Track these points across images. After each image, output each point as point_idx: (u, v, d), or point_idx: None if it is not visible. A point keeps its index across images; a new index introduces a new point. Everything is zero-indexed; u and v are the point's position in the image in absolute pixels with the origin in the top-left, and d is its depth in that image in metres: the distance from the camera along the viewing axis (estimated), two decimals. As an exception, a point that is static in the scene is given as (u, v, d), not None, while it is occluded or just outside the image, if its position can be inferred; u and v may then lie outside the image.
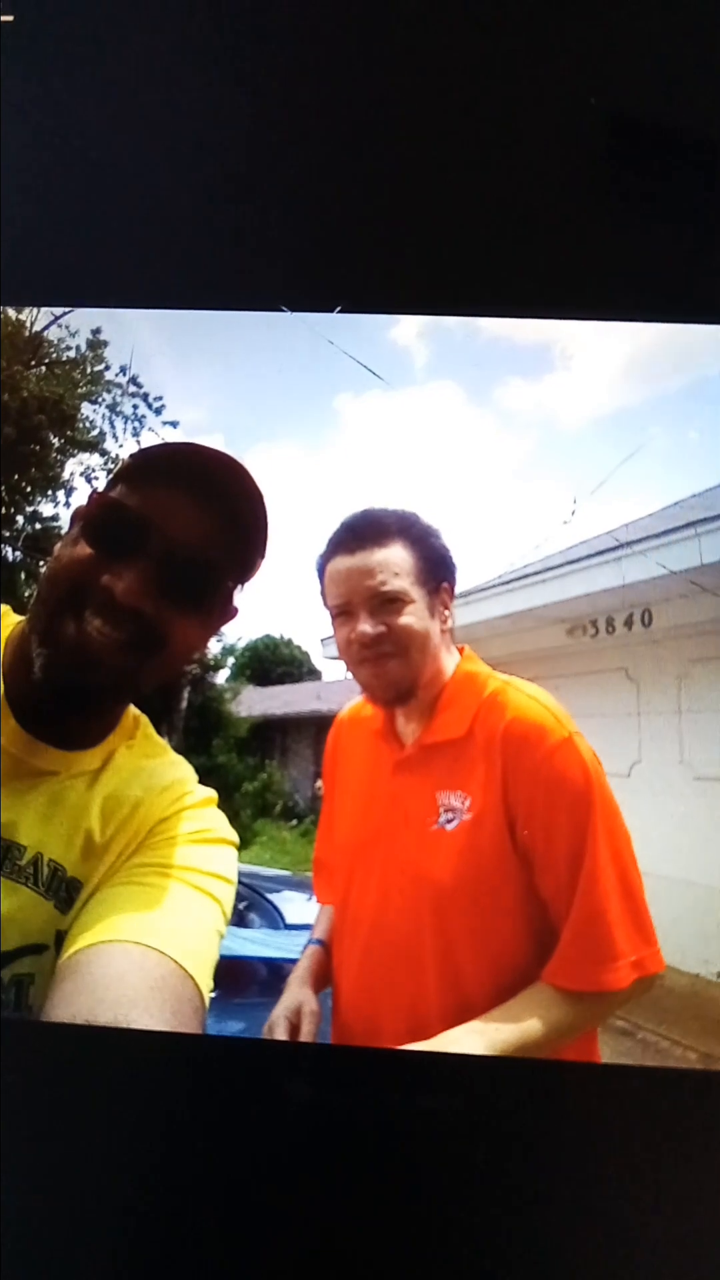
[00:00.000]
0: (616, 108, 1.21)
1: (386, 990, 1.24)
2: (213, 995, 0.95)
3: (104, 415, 2.54)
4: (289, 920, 2.44)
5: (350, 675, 1.31)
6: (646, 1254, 1.05)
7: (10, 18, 1.24)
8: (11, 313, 2.28)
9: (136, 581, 0.96)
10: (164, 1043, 0.86)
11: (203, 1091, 1.11)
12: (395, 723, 1.34)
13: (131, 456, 1.10)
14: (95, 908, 0.97)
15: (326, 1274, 1.09)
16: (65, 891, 1.00)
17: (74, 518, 1.03)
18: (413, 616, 1.26)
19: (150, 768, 1.10)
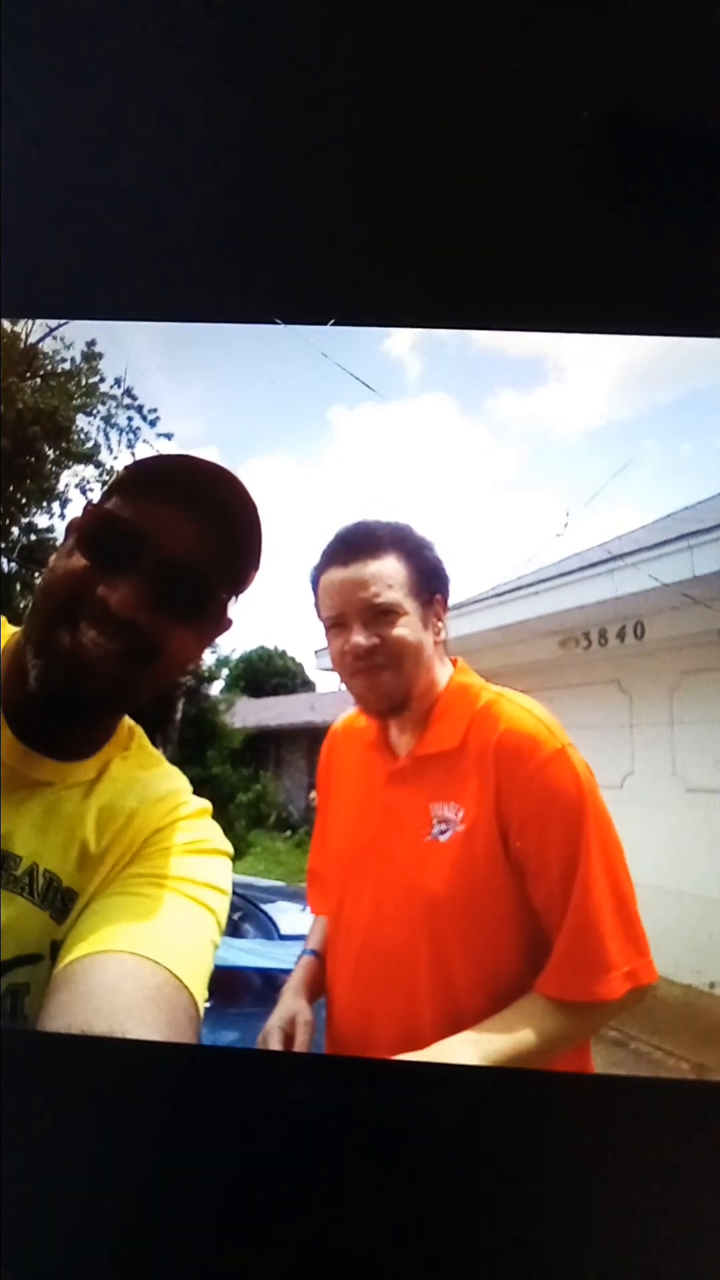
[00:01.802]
0: (610, 121, 1.21)
1: (380, 1000, 1.25)
2: (207, 1005, 0.95)
3: (99, 427, 2.55)
4: (283, 931, 2.44)
5: (344, 687, 1.32)
6: (640, 1265, 1.05)
7: None
8: (7, 324, 2.29)
9: (131, 593, 0.96)
10: (159, 1052, 0.86)
11: (198, 1101, 1.11)
12: (389, 734, 1.35)
13: (126, 468, 1.10)
14: (90, 918, 0.97)
15: (320, 1283, 1.09)
16: (60, 902, 1.00)
17: (69, 529, 1.03)
18: (406, 628, 1.26)
19: (145, 779, 1.10)
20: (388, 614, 1.25)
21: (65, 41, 1.26)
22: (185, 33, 1.26)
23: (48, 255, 1.28)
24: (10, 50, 1.24)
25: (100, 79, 1.26)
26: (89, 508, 1.03)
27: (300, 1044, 1.24)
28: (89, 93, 1.26)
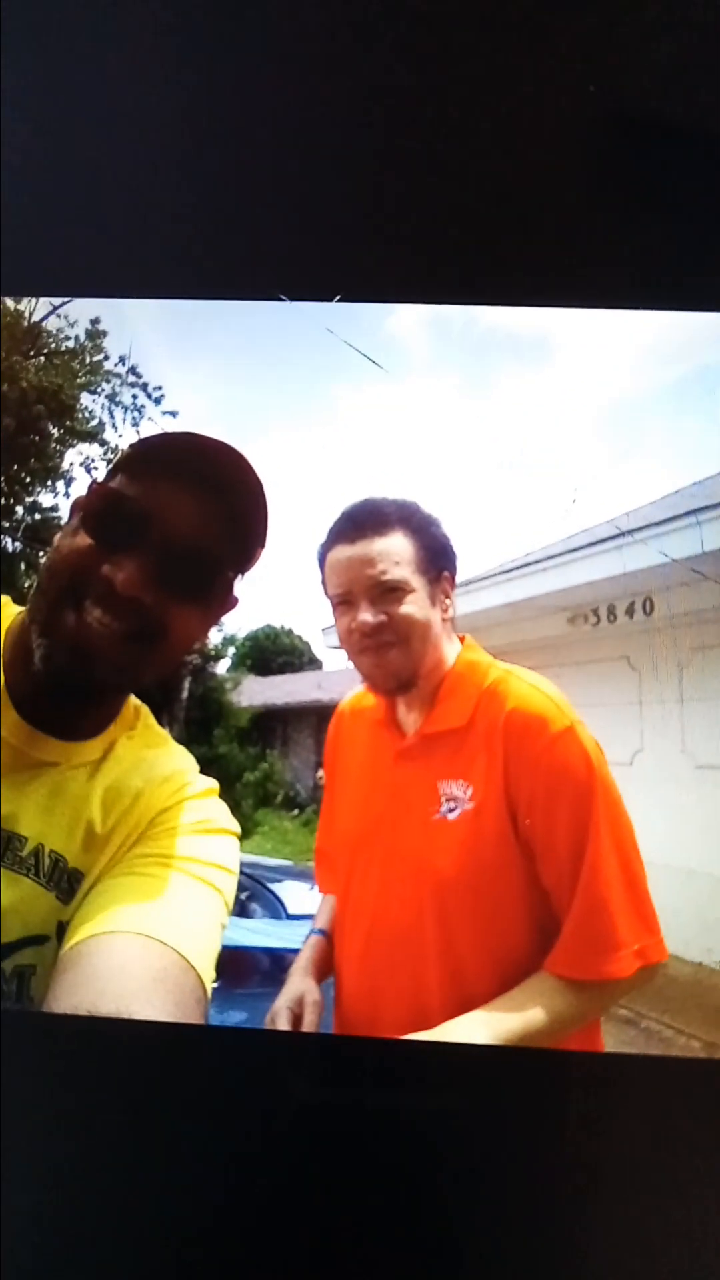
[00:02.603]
0: (615, 95, 1.20)
1: (388, 980, 1.25)
2: (215, 986, 0.95)
3: (103, 405, 2.55)
4: (291, 910, 2.45)
5: (351, 665, 1.31)
6: (650, 1243, 1.05)
7: None
8: (10, 303, 2.28)
9: (136, 572, 0.96)
10: (166, 1033, 0.86)
11: (205, 1082, 1.11)
12: (396, 712, 1.35)
13: (131, 446, 1.09)
14: (97, 899, 0.97)
15: (329, 1262, 1.09)
16: (67, 882, 1.00)
17: (74, 508, 1.03)
18: (414, 605, 1.26)
19: (151, 758, 1.10)
20: (395, 591, 1.25)
21: (66, 19, 1.25)
22: (188, 9, 1.25)
23: (51, 232, 1.27)
24: (11, 27, 1.23)
25: (103, 56, 1.25)
26: (94, 486, 1.02)
27: (308, 1024, 1.24)
28: (91, 70, 1.26)
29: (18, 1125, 1.08)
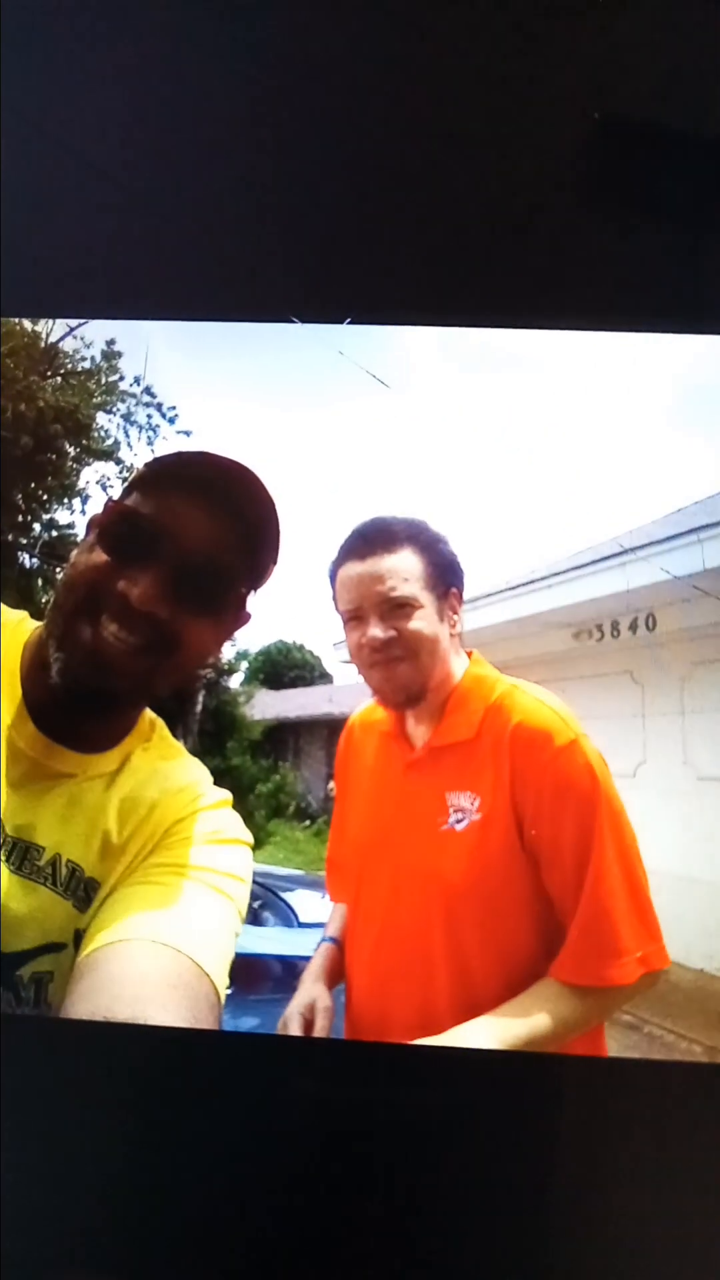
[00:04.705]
0: (616, 122, 1.22)
1: (398, 986, 1.26)
2: (228, 992, 0.96)
3: (119, 424, 2.56)
4: (303, 918, 2.45)
5: (361, 679, 1.33)
6: (652, 1245, 1.07)
7: None
8: (28, 324, 2.31)
9: (151, 587, 0.98)
10: (181, 1039, 0.87)
11: (219, 1086, 1.13)
12: (405, 725, 1.36)
13: (146, 465, 1.11)
14: (113, 907, 0.99)
15: (339, 1264, 1.10)
16: (83, 891, 1.02)
17: (90, 525, 1.05)
18: (422, 621, 1.27)
19: (166, 770, 1.11)
20: (404, 607, 1.27)
21: (78, 41, 1.28)
22: (199, 32, 1.27)
23: (66, 255, 1.29)
24: (17, 50, 1.26)
25: (116, 78, 1.28)
26: (109, 504, 1.04)
27: (320, 1029, 1.25)
28: (104, 95, 1.28)
29: (34, 1127, 1.10)
